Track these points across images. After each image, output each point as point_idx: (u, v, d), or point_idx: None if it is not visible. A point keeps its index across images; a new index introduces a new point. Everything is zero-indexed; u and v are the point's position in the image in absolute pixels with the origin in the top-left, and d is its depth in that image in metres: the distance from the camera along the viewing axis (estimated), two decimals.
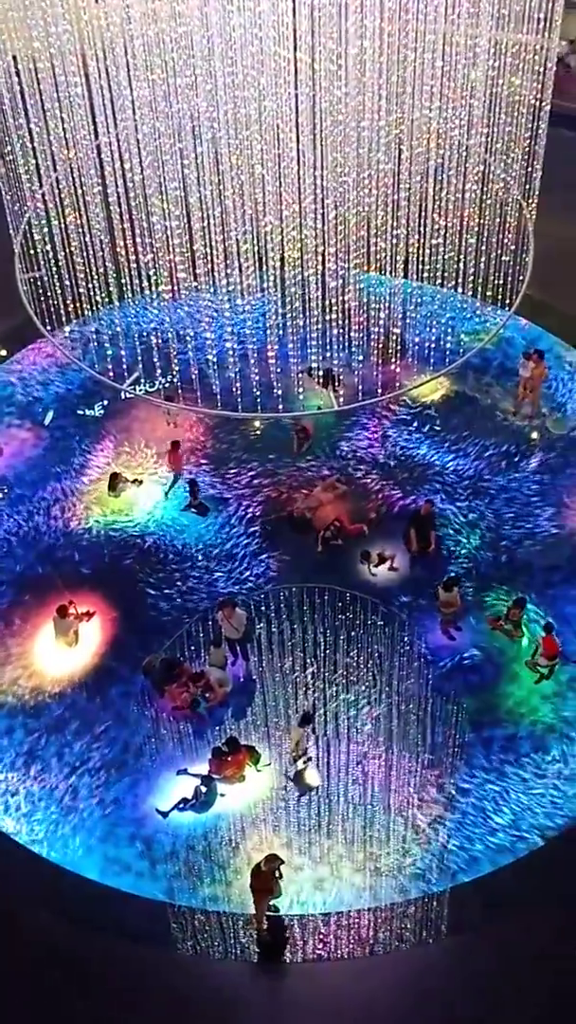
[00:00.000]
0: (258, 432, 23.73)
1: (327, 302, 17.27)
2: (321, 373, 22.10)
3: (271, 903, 15.82)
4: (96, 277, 18.90)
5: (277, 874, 15.72)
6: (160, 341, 20.96)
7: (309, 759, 17.67)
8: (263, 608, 20.20)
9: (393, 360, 21.36)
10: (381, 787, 17.66)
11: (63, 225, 17.89)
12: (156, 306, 20.88)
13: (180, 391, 20.72)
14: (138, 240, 17.23)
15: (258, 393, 18.49)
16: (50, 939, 15.75)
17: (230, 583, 20.75)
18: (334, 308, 17.57)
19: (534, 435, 23.52)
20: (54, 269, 19.20)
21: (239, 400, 18.76)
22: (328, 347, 18.09)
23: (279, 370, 17.54)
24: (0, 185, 18.67)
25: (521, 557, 21.02)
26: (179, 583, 20.79)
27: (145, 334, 21.85)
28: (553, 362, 24.91)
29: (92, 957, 15.60)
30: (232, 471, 22.94)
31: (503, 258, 20.11)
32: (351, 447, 23.38)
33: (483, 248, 19.21)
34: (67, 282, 19.30)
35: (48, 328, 19.52)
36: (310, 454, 23.25)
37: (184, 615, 20.16)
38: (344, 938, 15.95)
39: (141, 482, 22.51)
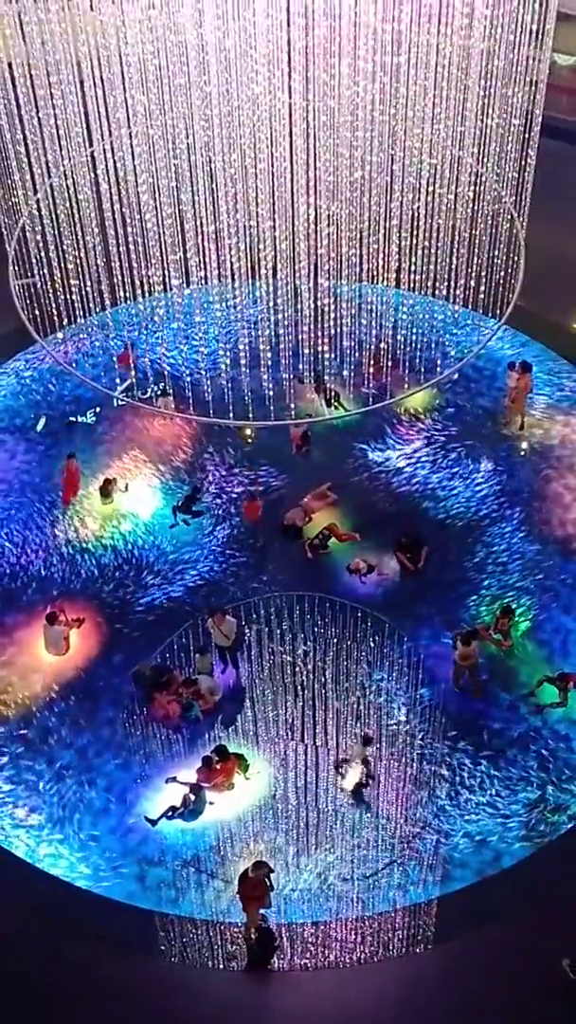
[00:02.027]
0: (250, 439, 23.75)
1: (319, 311, 17.32)
2: (313, 381, 22.13)
3: (260, 911, 15.80)
4: (90, 283, 18.91)
5: (267, 882, 15.72)
6: (151, 348, 20.98)
7: (371, 777, 17.66)
8: (253, 616, 20.20)
9: (384, 370, 21.39)
10: (370, 796, 17.67)
11: (57, 231, 17.91)
12: (149, 313, 20.86)
13: (171, 395, 20.69)
14: (131, 247, 17.24)
15: (249, 400, 18.51)
16: (37, 947, 15.72)
17: (220, 590, 20.74)
18: (326, 317, 17.61)
19: (523, 445, 23.59)
20: (47, 275, 19.19)
21: (231, 407, 18.76)
22: (320, 356, 18.12)
23: (271, 378, 17.55)
24: None
25: (508, 567, 21.09)
26: (170, 590, 20.78)
27: (138, 341, 21.82)
28: (543, 372, 24.99)
29: (79, 965, 15.56)
30: (225, 478, 22.95)
31: (494, 269, 20.17)
32: (349, 455, 23.44)
33: (475, 259, 19.27)
34: (60, 288, 19.30)
35: (41, 334, 19.50)
36: (308, 461, 23.30)
37: (174, 622, 20.14)
38: (332, 946, 15.94)
39: (128, 487, 22.44)
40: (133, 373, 20.94)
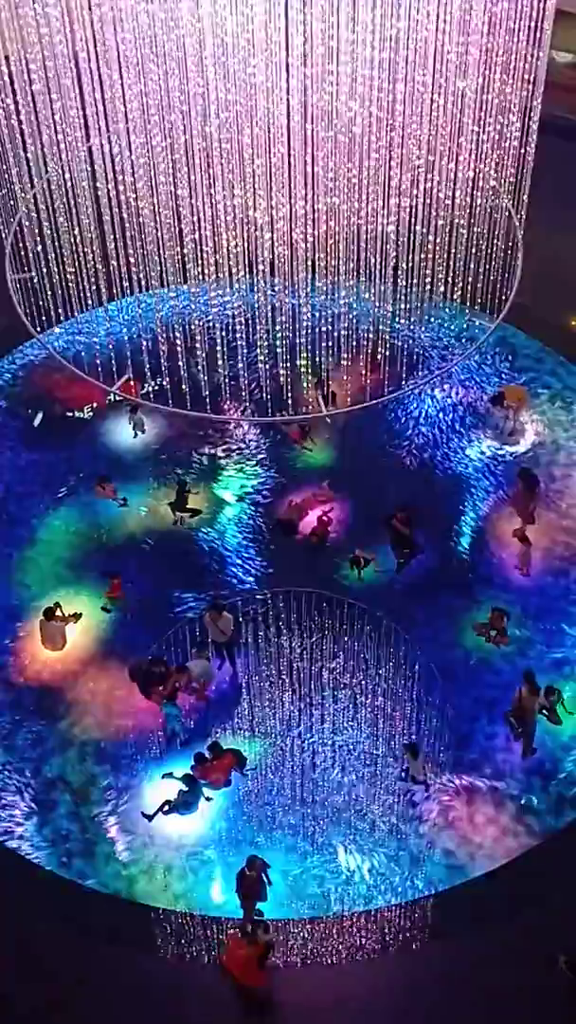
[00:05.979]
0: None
1: (315, 307, 17.33)
2: (311, 378, 22.06)
3: (256, 907, 15.79)
4: (87, 277, 18.89)
5: (264, 877, 15.71)
6: (148, 342, 20.91)
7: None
8: (250, 612, 20.18)
9: (380, 367, 21.40)
10: (367, 792, 17.66)
11: (54, 226, 17.89)
12: (146, 307, 20.84)
13: (160, 388, 20.64)
14: (129, 241, 17.24)
15: (247, 397, 18.51)
16: (33, 942, 15.73)
17: (217, 586, 20.72)
18: (323, 313, 17.62)
19: (520, 445, 23.53)
20: (44, 270, 19.17)
21: (228, 403, 18.76)
22: (318, 353, 18.13)
23: (267, 374, 17.56)
24: None
25: (505, 563, 21.10)
26: (166, 585, 20.75)
27: (135, 335, 21.76)
28: (544, 373, 24.95)
29: (75, 960, 15.58)
30: (222, 474, 22.94)
31: (492, 266, 20.16)
32: (351, 449, 23.41)
33: (472, 256, 19.27)
34: (57, 282, 19.28)
35: (38, 329, 19.46)
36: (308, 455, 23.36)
37: (171, 619, 20.12)
38: (328, 943, 15.93)
39: (126, 500, 22.34)
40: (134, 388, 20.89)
